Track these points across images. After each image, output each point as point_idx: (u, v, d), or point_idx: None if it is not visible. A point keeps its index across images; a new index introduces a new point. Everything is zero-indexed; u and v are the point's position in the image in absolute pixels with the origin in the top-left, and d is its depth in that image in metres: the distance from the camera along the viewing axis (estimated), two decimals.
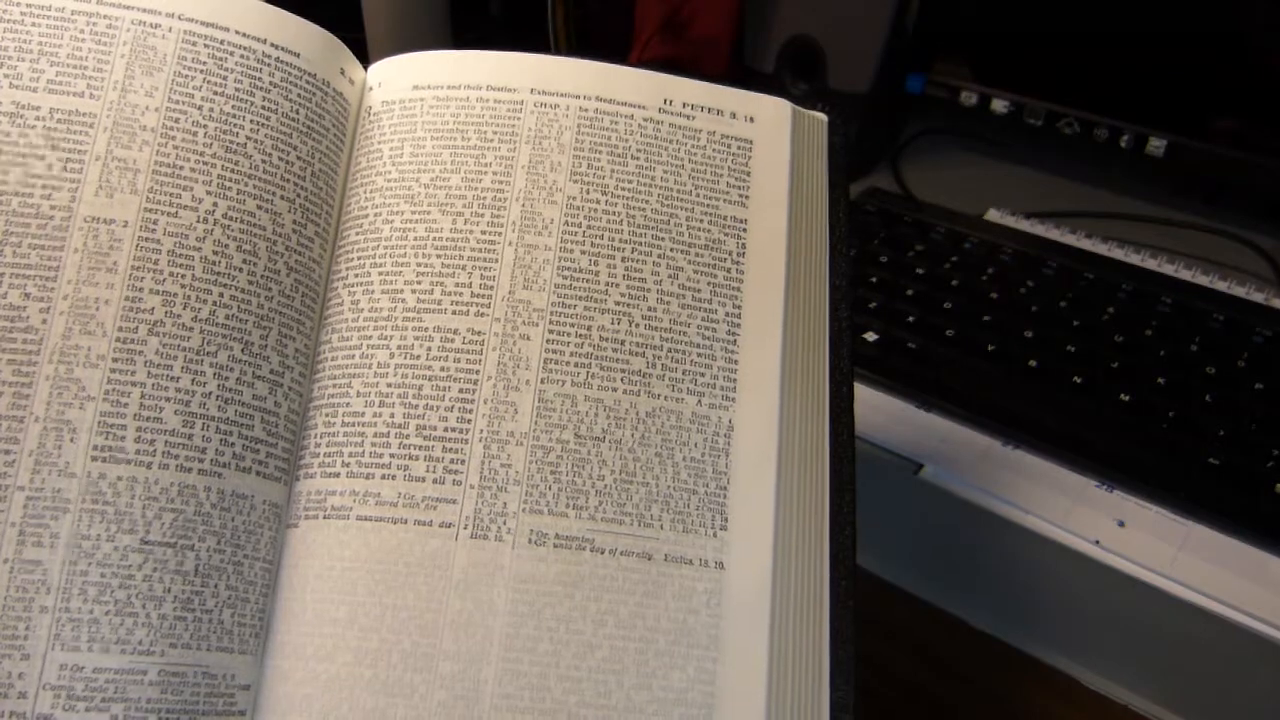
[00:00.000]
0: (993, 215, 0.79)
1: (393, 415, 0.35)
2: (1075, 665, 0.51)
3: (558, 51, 0.88)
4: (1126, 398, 0.57)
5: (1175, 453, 0.53)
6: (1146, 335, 0.62)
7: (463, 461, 0.35)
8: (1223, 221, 0.79)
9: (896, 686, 0.51)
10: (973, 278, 0.67)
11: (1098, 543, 0.49)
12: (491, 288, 0.36)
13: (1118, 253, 0.73)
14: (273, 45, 0.37)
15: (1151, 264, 0.72)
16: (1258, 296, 0.68)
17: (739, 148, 0.40)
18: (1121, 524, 0.50)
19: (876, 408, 0.58)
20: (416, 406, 0.35)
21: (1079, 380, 0.58)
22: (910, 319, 0.64)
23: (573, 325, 0.36)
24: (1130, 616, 0.49)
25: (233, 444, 0.34)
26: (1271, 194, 0.77)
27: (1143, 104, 0.77)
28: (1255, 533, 0.49)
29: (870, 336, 0.62)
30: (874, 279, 0.68)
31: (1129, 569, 0.48)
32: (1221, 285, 0.69)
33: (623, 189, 0.38)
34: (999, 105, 0.83)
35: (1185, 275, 0.70)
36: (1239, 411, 0.56)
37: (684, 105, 0.40)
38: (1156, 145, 0.77)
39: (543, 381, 0.36)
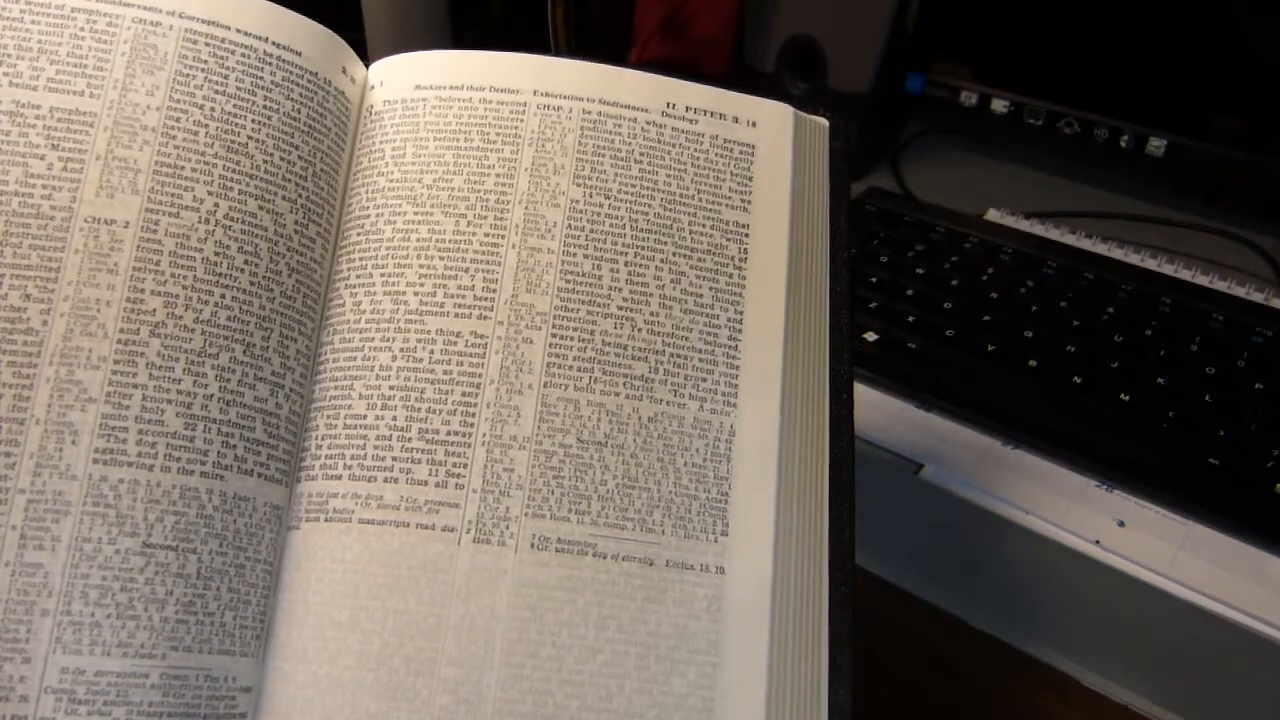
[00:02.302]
0: (993, 215, 0.79)
1: (395, 418, 0.35)
2: (1075, 665, 0.51)
3: (557, 51, 0.88)
4: (1126, 398, 0.57)
5: (1175, 453, 0.53)
6: (1146, 335, 0.62)
7: (465, 465, 0.35)
8: (1223, 221, 0.79)
9: (896, 686, 0.51)
10: (973, 278, 0.67)
11: (1098, 543, 0.49)
12: (494, 291, 0.36)
13: (1118, 253, 0.73)
14: (274, 44, 0.37)
15: (1151, 264, 0.72)
16: (1258, 296, 0.68)
17: (741, 152, 0.40)
18: (1121, 524, 0.50)
19: (876, 408, 0.58)
20: (419, 409, 0.35)
21: (1079, 380, 0.58)
22: (910, 319, 0.64)
23: (576, 330, 0.36)
24: (1130, 616, 0.49)
25: (234, 446, 0.34)
26: (1271, 194, 0.77)
27: (1143, 104, 0.77)
28: (1255, 533, 0.49)
29: (870, 336, 0.62)
30: (874, 279, 0.68)
31: (1129, 569, 0.48)
32: (1221, 285, 0.69)
33: (625, 193, 0.38)
34: (999, 105, 0.83)
35: (1185, 275, 0.70)
36: (1239, 411, 0.56)
37: (687, 109, 0.40)
38: (1156, 145, 0.77)
39: (545, 386, 0.36)
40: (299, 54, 0.37)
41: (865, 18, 0.82)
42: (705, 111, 0.40)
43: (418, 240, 0.37)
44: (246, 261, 0.35)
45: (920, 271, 0.68)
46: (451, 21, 0.84)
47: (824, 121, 0.42)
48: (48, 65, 0.34)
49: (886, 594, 0.55)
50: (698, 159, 0.39)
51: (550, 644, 0.33)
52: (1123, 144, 0.78)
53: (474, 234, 0.37)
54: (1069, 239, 0.75)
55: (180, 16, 0.36)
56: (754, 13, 0.89)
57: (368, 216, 0.37)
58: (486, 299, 0.36)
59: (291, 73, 0.37)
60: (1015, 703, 0.50)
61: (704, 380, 0.37)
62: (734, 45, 0.91)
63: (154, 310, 0.33)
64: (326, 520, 0.34)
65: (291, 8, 0.38)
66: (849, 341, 0.39)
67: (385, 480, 0.34)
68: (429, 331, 0.36)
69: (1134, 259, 0.72)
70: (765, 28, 0.88)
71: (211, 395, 0.33)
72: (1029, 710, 0.50)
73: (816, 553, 0.36)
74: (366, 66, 0.41)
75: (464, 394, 0.35)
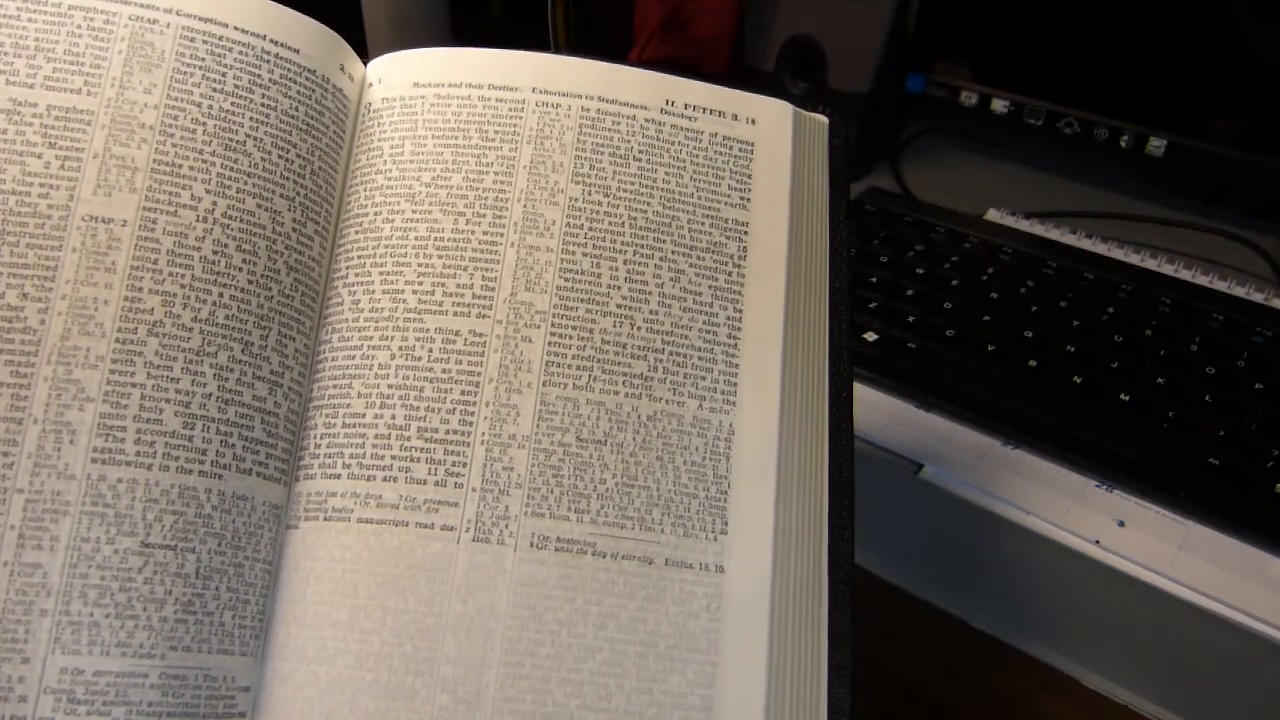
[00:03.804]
0: (993, 215, 0.79)
1: (394, 417, 0.35)
2: (1075, 665, 0.51)
3: (558, 51, 0.88)
4: (1126, 398, 0.57)
5: (1175, 453, 0.53)
6: (1146, 335, 0.62)
7: (464, 464, 0.34)
8: (1223, 221, 0.79)
9: (896, 686, 0.51)
10: (973, 278, 0.67)
11: (1098, 543, 0.49)
12: (493, 289, 0.36)
13: (1118, 253, 0.73)
14: (272, 41, 0.37)
15: (1151, 264, 0.72)
16: (1258, 296, 0.68)
17: (740, 150, 0.40)
18: (1121, 524, 0.50)
19: (876, 408, 0.58)
20: (418, 408, 0.35)
21: (1079, 380, 0.58)
22: (910, 319, 0.63)
23: (575, 328, 0.36)
24: (1130, 616, 0.49)
25: (233, 445, 0.33)
26: (1271, 194, 0.77)
27: (1143, 104, 0.77)
28: (1255, 533, 0.49)
29: (870, 336, 0.62)
30: (874, 279, 0.68)
31: (1129, 569, 0.48)
32: (1221, 285, 0.69)
33: (624, 190, 0.38)
34: (999, 105, 0.83)
35: (1185, 275, 0.70)
36: (1239, 411, 0.56)
37: (686, 106, 0.39)
38: (1156, 145, 0.77)
39: (544, 384, 0.35)
40: (297, 51, 0.37)
41: (865, 18, 0.82)
42: (704, 109, 0.40)
43: (416, 238, 0.37)
44: (245, 260, 0.35)
45: (920, 271, 0.68)
46: (451, 21, 0.84)
47: (823, 119, 0.42)
48: (45, 63, 0.34)
49: (886, 594, 0.55)
50: (697, 156, 0.39)
51: (549, 643, 0.33)
52: (1123, 144, 0.78)
53: (473, 232, 0.37)
54: (1069, 239, 0.75)
55: (178, 14, 0.36)
56: (754, 13, 0.89)
57: (366, 214, 0.37)
58: (485, 297, 0.36)
59: (290, 70, 0.37)
60: (1015, 703, 0.50)
61: (703, 379, 0.37)
62: (734, 45, 0.91)
63: (152, 309, 0.33)
64: (325, 519, 0.34)
65: (291, 6, 0.38)
66: (849, 340, 0.39)
67: (384, 479, 0.34)
68: (428, 330, 0.36)
69: (1134, 259, 0.72)
70: (765, 28, 0.88)
71: (210, 394, 0.33)
72: (1029, 710, 0.50)
73: (816, 551, 0.36)
74: (365, 65, 0.41)
75: (463, 392, 0.35)
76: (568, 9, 0.87)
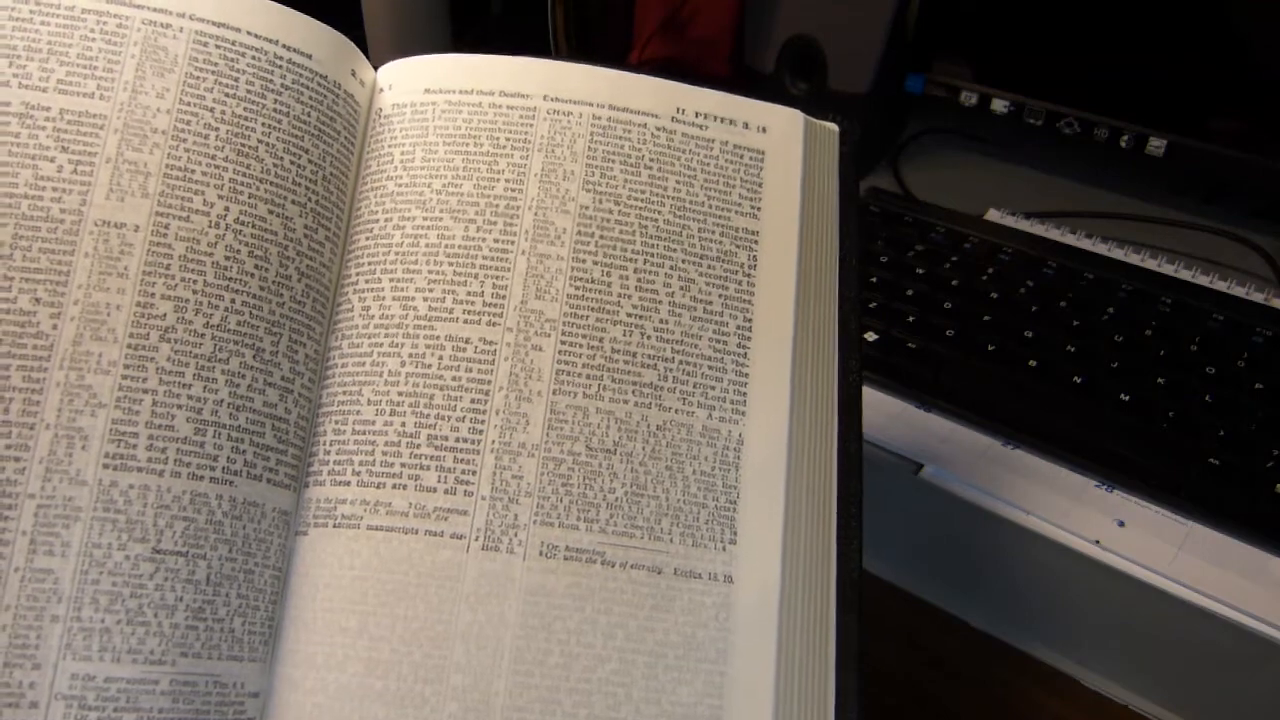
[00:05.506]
0: (993, 215, 0.79)
1: (404, 424, 0.35)
2: (1075, 664, 0.52)
3: (557, 52, 0.88)
4: (1126, 398, 0.57)
5: (1175, 453, 0.53)
6: (1146, 335, 0.62)
7: (474, 472, 0.35)
8: (1223, 221, 0.79)
9: (895, 686, 0.51)
10: (973, 278, 0.67)
11: (1098, 543, 0.49)
12: (504, 297, 0.36)
13: (1118, 253, 0.73)
14: (284, 46, 0.37)
15: (1151, 264, 0.72)
16: (1258, 296, 0.68)
17: (751, 159, 0.40)
18: (1121, 524, 0.50)
19: (876, 408, 0.58)
20: (428, 416, 0.35)
21: (1079, 380, 0.58)
22: (910, 319, 0.64)
23: (585, 336, 0.36)
24: (1130, 616, 0.49)
25: (244, 451, 0.34)
26: (1271, 194, 0.77)
27: (1143, 104, 0.77)
28: (1255, 533, 0.50)
29: (870, 336, 0.62)
30: (874, 279, 0.68)
31: (1129, 569, 0.48)
32: (1221, 285, 0.69)
33: (635, 199, 0.38)
34: (999, 105, 0.83)
35: (1185, 275, 0.70)
36: (1239, 411, 0.56)
37: (697, 114, 0.40)
38: (1156, 145, 0.77)
39: (554, 393, 0.36)
40: (309, 57, 0.37)
41: (865, 18, 0.82)
42: (715, 117, 0.40)
43: (427, 245, 0.37)
44: (256, 266, 0.35)
45: (920, 271, 0.68)
46: (451, 21, 0.83)
47: (833, 127, 0.42)
48: (57, 66, 0.34)
49: (886, 593, 0.55)
50: (707, 165, 0.39)
51: (558, 652, 0.33)
52: (1123, 144, 0.78)
53: (483, 240, 0.37)
54: (1069, 239, 0.75)
55: (191, 18, 0.36)
56: (754, 13, 0.89)
57: (376, 221, 0.37)
58: (496, 305, 0.36)
59: (302, 76, 0.37)
60: (1015, 703, 0.51)
61: (713, 388, 0.37)
62: (734, 45, 0.91)
63: (164, 315, 0.33)
64: (335, 526, 0.34)
65: (292, 7, 0.38)
66: (858, 349, 0.39)
67: (394, 486, 0.34)
68: (438, 337, 0.36)
69: (1134, 259, 0.72)
70: (765, 28, 0.87)
71: (221, 400, 0.33)
72: (1029, 710, 0.50)
73: (824, 561, 0.36)
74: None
75: (473, 400, 0.35)
76: (568, 9, 0.87)
